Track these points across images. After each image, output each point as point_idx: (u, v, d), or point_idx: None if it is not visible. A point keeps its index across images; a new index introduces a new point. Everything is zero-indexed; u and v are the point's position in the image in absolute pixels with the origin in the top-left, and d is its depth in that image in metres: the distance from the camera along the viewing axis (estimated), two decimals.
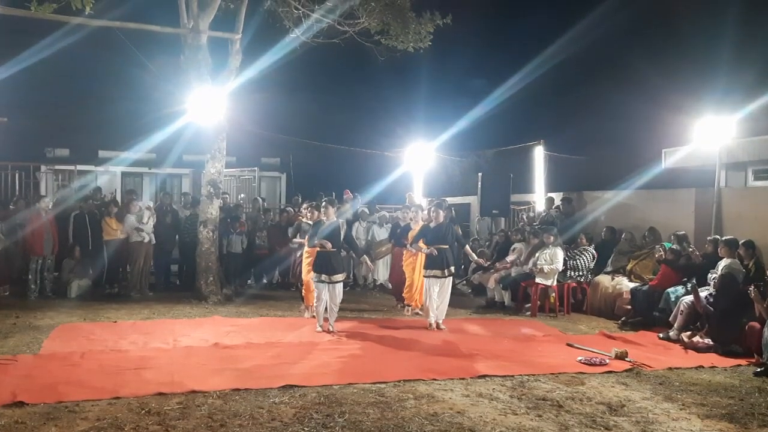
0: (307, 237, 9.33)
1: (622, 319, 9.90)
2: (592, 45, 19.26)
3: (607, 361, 7.21)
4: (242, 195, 17.30)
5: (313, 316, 9.04)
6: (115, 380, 5.95)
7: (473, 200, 15.72)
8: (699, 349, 7.99)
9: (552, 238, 10.68)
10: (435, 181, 18.08)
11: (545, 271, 10.47)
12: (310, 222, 9.83)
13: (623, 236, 11.27)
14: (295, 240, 10.83)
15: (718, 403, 5.86)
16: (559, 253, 10.56)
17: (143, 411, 5.12)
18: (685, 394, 6.09)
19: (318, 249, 8.65)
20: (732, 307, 7.96)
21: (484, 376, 6.49)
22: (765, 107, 11.56)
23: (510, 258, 11.51)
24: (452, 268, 9.36)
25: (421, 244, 9.45)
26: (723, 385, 6.47)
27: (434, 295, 9.14)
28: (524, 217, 14.38)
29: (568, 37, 18.78)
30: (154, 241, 11.58)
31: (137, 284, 11.36)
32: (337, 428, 4.85)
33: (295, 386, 5.89)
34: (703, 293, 8.43)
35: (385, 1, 11.66)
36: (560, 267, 10.55)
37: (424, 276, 9.37)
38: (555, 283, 10.58)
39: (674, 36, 20.31)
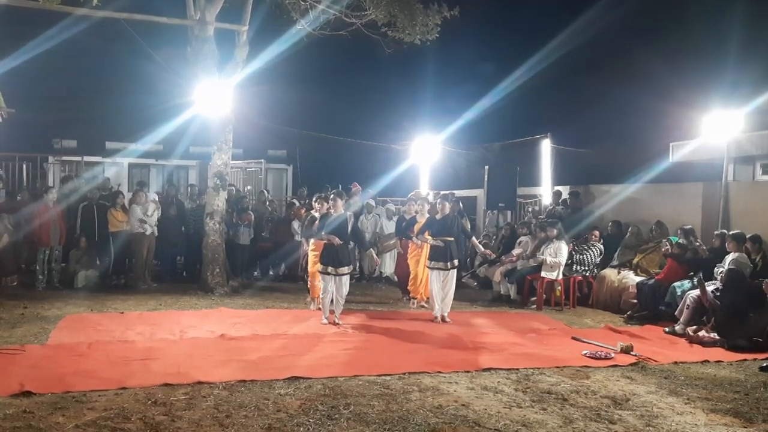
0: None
1: (628, 313, 9.90)
2: (599, 38, 19.22)
3: (613, 354, 7.21)
4: (248, 187, 17.32)
5: (319, 308, 9.06)
6: (122, 371, 5.98)
7: (480, 193, 15.69)
8: (705, 343, 7.98)
9: (555, 231, 10.65)
10: (441, 173, 18.04)
11: (549, 263, 10.46)
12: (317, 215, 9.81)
13: (630, 230, 11.26)
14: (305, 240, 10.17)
15: (723, 397, 5.85)
16: (563, 247, 10.54)
17: (150, 401, 5.14)
18: (690, 389, 6.09)
19: (325, 242, 8.68)
20: (739, 302, 7.94)
21: (489, 369, 6.50)
22: None
23: (516, 251, 11.50)
24: (456, 261, 9.37)
25: (426, 235, 9.48)
26: (728, 380, 6.46)
27: (438, 287, 9.17)
28: (530, 210, 14.34)
29: (574, 29, 18.71)
30: (156, 233, 11.62)
31: (141, 275, 11.41)
32: (342, 420, 4.87)
33: (301, 378, 5.91)
34: (710, 287, 8.41)
35: None
36: (564, 261, 10.52)
37: (428, 267, 9.40)
38: (560, 276, 10.57)
39: (682, 29, 20.22)
